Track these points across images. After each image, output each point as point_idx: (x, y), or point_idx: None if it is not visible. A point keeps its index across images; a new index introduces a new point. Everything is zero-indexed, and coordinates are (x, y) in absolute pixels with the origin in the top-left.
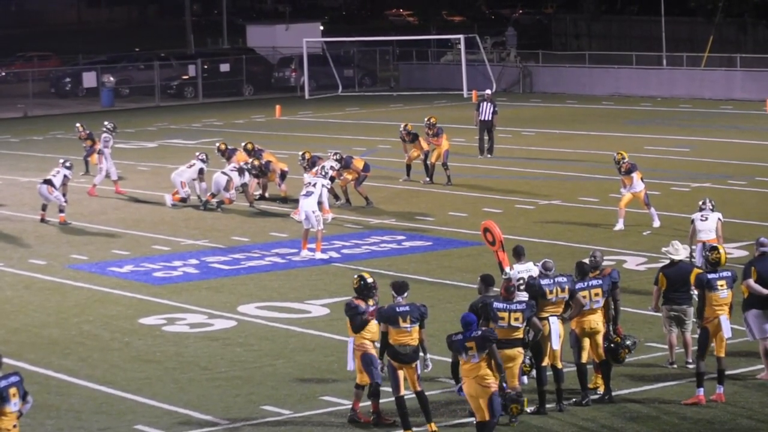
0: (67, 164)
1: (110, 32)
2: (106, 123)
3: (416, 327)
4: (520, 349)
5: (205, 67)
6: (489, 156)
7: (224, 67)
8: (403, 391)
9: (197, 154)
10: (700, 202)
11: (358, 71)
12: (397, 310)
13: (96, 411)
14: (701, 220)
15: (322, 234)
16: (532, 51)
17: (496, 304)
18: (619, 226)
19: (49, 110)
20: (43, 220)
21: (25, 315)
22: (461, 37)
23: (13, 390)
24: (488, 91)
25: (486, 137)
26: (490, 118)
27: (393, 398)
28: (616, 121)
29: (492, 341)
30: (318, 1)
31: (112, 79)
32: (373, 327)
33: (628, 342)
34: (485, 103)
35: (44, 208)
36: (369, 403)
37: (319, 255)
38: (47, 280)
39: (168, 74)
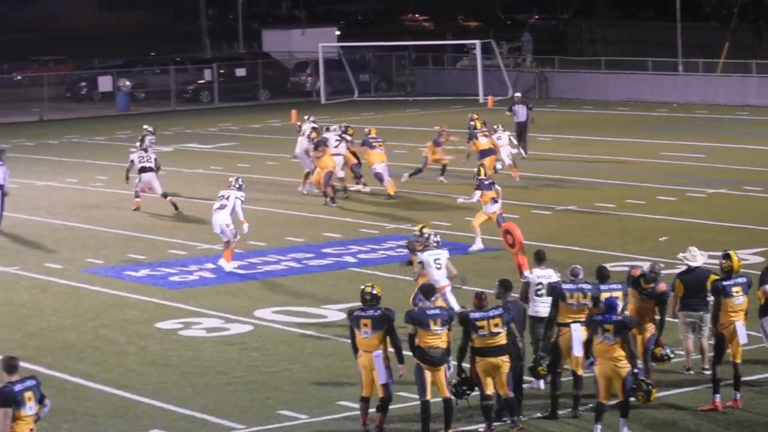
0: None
1: (126, 36)
2: (146, 126)
3: (445, 330)
4: (505, 357)
5: (221, 71)
6: (524, 155)
7: (240, 72)
8: (429, 396)
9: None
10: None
11: (374, 76)
12: (428, 313)
13: (112, 415)
14: None
15: (236, 245)
16: (548, 56)
17: (473, 315)
18: (478, 245)
19: (65, 114)
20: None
21: (42, 319)
22: (477, 42)
23: (29, 394)
24: (518, 94)
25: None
26: (524, 120)
27: (396, 405)
28: (631, 127)
29: (629, 329)
30: (334, 6)
31: (127, 83)
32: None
33: (666, 352)
34: (518, 105)
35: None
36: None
37: (228, 266)
38: (63, 283)
39: (184, 78)
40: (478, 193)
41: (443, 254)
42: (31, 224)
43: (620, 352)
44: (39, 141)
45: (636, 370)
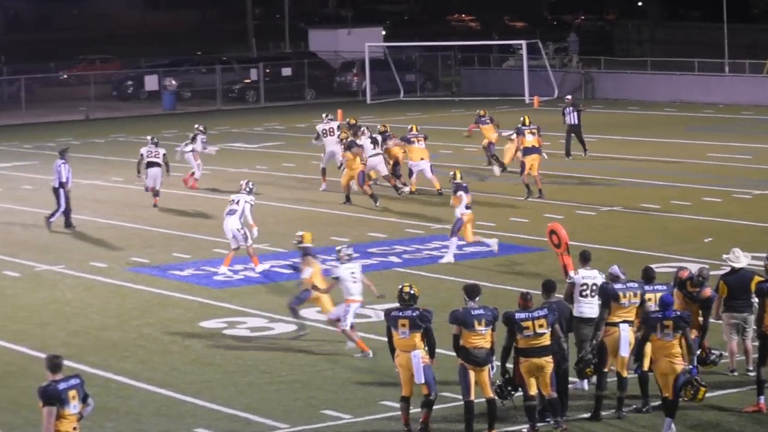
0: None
1: (172, 36)
2: (197, 125)
3: (489, 330)
4: (549, 358)
5: (267, 71)
6: (585, 155)
7: (286, 71)
8: (473, 396)
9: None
10: None
11: (419, 76)
12: (473, 313)
13: (156, 414)
14: None
15: (253, 249)
16: (594, 57)
17: (518, 315)
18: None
19: (111, 113)
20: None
21: (86, 317)
22: (523, 42)
23: (72, 392)
24: (569, 97)
25: (575, 139)
26: (577, 122)
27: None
28: (677, 128)
29: (688, 324)
30: (380, 5)
31: (173, 82)
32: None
33: (712, 356)
34: (568, 108)
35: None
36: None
37: (258, 268)
38: (108, 282)
39: (230, 78)
40: (463, 194)
41: (357, 267)
42: (76, 223)
43: (677, 349)
44: (85, 140)
45: (691, 367)
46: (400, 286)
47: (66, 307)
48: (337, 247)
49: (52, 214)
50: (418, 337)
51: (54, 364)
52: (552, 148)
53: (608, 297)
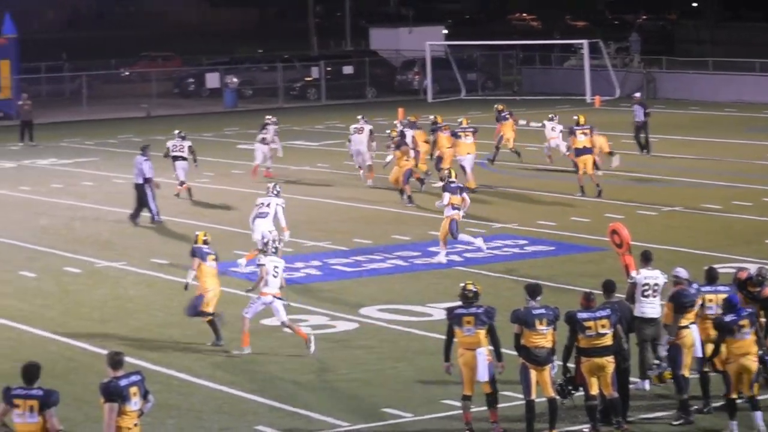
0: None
1: (233, 34)
2: (269, 117)
3: (551, 329)
4: (610, 358)
5: (328, 69)
6: (647, 154)
7: (347, 70)
8: (534, 395)
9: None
10: None
11: (480, 75)
12: (534, 312)
13: (217, 411)
14: None
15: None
16: (655, 57)
17: (581, 314)
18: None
19: (172, 110)
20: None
21: (147, 314)
22: (585, 42)
23: (134, 389)
24: (637, 95)
25: (642, 136)
26: (643, 119)
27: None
28: (738, 129)
29: (757, 316)
30: (441, 4)
31: (235, 80)
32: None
33: None
34: (636, 106)
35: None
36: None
37: (244, 267)
38: (170, 279)
39: (291, 76)
40: (446, 195)
41: (281, 263)
42: (137, 219)
43: (754, 348)
44: (146, 137)
45: (761, 352)
46: (463, 284)
47: (128, 304)
48: (269, 240)
49: (145, 213)
50: (482, 334)
51: (115, 360)
52: (615, 148)
53: (685, 304)
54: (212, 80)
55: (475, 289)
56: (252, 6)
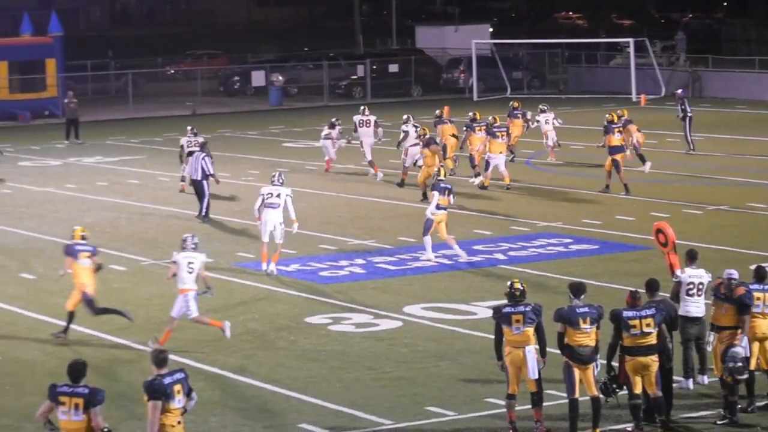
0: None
1: (279, 32)
2: (334, 119)
3: (594, 328)
4: (655, 357)
5: (374, 67)
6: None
7: (393, 68)
8: (577, 394)
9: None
10: None
11: (526, 73)
12: (578, 311)
13: (260, 409)
14: None
15: (281, 247)
16: (701, 55)
17: (626, 313)
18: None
19: (217, 108)
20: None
21: None
22: (630, 40)
23: (177, 387)
24: (680, 91)
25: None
26: (682, 116)
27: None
28: None
29: None
30: (487, 3)
31: (280, 78)
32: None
33: None
34: (681, 100)
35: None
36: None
37: (272, 267)
38: (214, 277)
39: (337, 74)
40: (435, 194)
41: (198, 258)
42: (183, 218)
43: None
44: None
45: None
46: (510, 282)
47: (172, 302)
48: (184, 235)
49: (201, 210)
50: (530, 331)
51: (160, 358)
52: (660, 147)
53: (748, 305)
54: (258, 78)
55: (522, 288)
56: (298, 5)
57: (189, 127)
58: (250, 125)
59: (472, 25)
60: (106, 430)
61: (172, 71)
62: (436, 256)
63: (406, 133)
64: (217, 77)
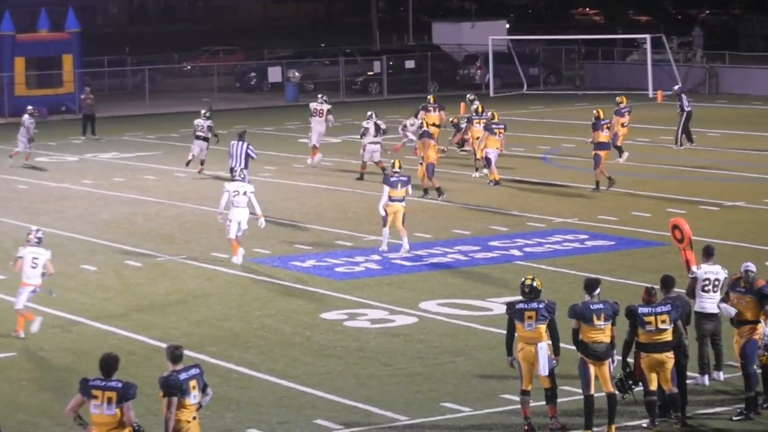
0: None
1: (296, 28)
2: (370, 112)
3: (609, 325)
4: (670, 354)
5: (390, 63)
6: (681, 146)
7: (409, 64)
8: (593, 390)
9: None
10: None
11: (543, 70)
12: (592, 307)
13: (276, 404)
14: None
15: (242, 237)
16: (718, 52)
17: (641, 309)
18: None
19: (234, 104)
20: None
21: (207, 308)
22: (647, 36)
23: (193, 382)
24: (676, 87)
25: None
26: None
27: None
28: None
29: None
30: None
31: (297, 74)
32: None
33: None
34: (683, 95)
35: None
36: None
37: (235, 259)
38: (229, 273)
39: (353, 70)
40: (386, 188)
41: (43, 255)
42: (198, 213)
43: None
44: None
45: None
46: (523, 279)
47: (188, 298)
48: (30, 228)
49: None
50: (543, 328)
51: (175, 354)
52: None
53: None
54: (274, 74)
55: (533, 284)
56: (315, 1)
57: (203, 111)
58: (266, 121)
59: (489, 21)
60: (136, 425)
61: (189, 67)
62: (450, 253)
63: (366, 129)
64: (234, 73)
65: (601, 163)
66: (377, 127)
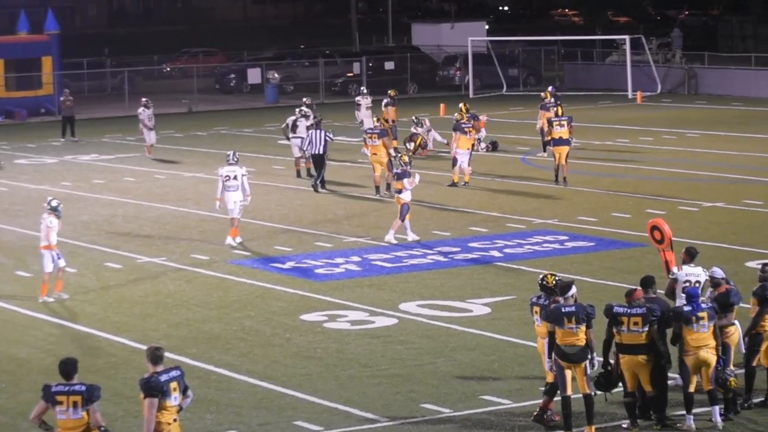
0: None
1: (275, 29)
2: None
3: (583, 327)
4: (645, 356)
5: (370, 64)
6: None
7: (389, 65)
8: (570, 392)
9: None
10: None
11: (522, 70)
12: (563, 310)
13: (256, 406)
14: None
15: (238, 222)
16: (697, 52)
17: (617, 309)
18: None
19: (213, 106)
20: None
21: (187, 310)
22: (627, 37)
23: (174, 384)
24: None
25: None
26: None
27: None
28: None
29: None
30: (483, 0)
31: (276, 75)
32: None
33: None
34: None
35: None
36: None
37: (231, 241)
38: (209, 275)
39: (333, 71)
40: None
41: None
42: (178, 215)
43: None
44: (187, 132)
45: None
46: (542, 276)
47: (168, 299)
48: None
49: (318, 179)
50: (540, 327)
51: (156, 355)
52: (656, 143)
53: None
54: (254, 76)
55: (545, 282)
56: (295, 2)
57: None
58: (246, 123)
59: (468, 22)
60: (103, 428)
61: (168, 69)
62: (430, 254)
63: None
64: (213, 75)
65: (558, 158)
66: (310, 123)
